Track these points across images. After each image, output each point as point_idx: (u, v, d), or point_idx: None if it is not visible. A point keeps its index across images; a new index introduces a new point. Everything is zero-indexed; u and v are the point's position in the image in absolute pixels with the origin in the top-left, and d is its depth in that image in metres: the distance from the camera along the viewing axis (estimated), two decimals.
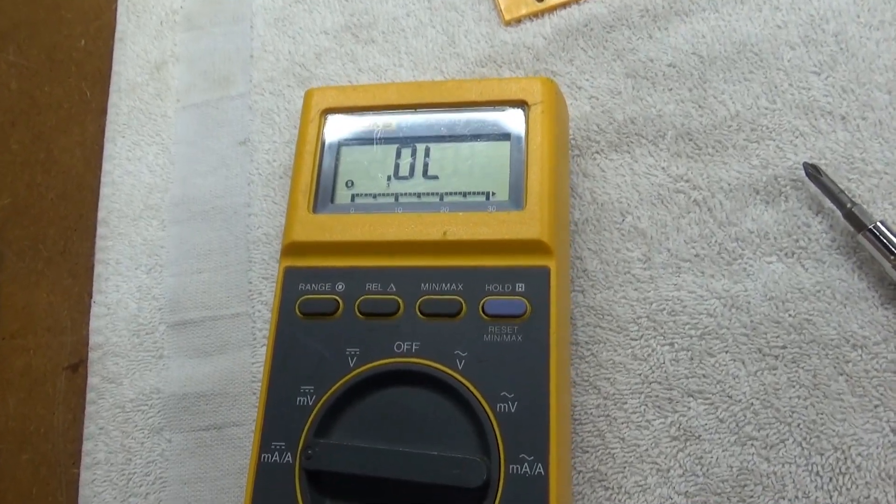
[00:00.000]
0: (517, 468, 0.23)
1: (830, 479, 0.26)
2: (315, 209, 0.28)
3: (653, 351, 0.28)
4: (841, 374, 0.27)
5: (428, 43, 0.35)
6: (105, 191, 0.36)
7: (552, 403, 0.24)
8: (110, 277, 0.34)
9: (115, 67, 0.38)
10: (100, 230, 0.35)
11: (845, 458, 0.26)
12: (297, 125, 0.35)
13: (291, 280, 0.27)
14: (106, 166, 0.36)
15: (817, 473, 0.26)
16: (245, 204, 0.34)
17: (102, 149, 0.37)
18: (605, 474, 0.27)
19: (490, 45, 0.35)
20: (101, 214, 0.35)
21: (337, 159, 0.29)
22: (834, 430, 0.26)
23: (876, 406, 0.26)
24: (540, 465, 0.23)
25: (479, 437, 0.24)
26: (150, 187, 0.36)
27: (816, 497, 0.26)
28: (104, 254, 0.35)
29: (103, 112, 0.38)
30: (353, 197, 0.29)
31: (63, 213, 0.37)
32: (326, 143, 0.30)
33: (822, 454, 0.26)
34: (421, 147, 0.29)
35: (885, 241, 0.27)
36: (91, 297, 0.34)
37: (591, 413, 0.28)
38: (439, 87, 0.29)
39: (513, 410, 0.24)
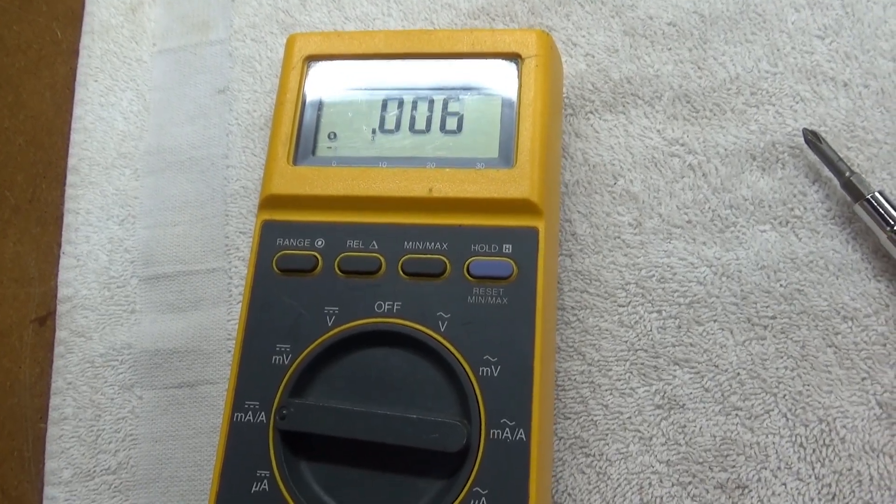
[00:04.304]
0: (498, 433, 0.23)
1: (814, 450, 0.25)
2: (295, 161, 0.27)
3: (640, 318, 0.28)
4: (829, 346, 0.26)
5: None
6: (76, 137, 0.34)
7: (536, 369, 0.23)
8: (80, 228, 0.33)
9: (87, 7, 0.36)
10: (70, 178, 0.34)
11: (830, 431, 0.26)
12: (278, 74, 0.33)
13: (269, 234, 0.26)
14: (77, 111, 0.35)
15: (801, 445, 0.26)
16: (223, 155, 0.33)
17: (73, 93, 0.35)
18: (587, 441, 0.27)
19: None
20: (71, 162, 0.34)
21: (319, 109, 0.28)
22: (820, 402, 0.26)
23: (863, 379, 0.26)
24: (521, 430, 0.23)
25: (460, 401, 0.23)
26: (124, 135, 0.34)
27: (799, 468, 0.25)
28: (74, 203, 0.33)
29: (75, 54, 0.36)
30: (335, 149, 0.27)
31: (32, 160, 0.35)
32: (309, 91, 0.28)
33: (806, 426, 0.26)
34: (408, 99, 0.27)
35: (882, 211, 0.26)
36: (60, 248, 0.33)
37: (575, 379, 0.27)
38: (429, 36, 0.28)
39: (495, 374, 0.23)
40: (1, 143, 0.35)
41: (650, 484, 0.26)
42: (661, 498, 0.26)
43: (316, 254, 0.26)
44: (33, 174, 0.35)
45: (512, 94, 0.27)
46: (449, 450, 0.22)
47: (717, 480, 0.26)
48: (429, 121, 0.27)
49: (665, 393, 0.27)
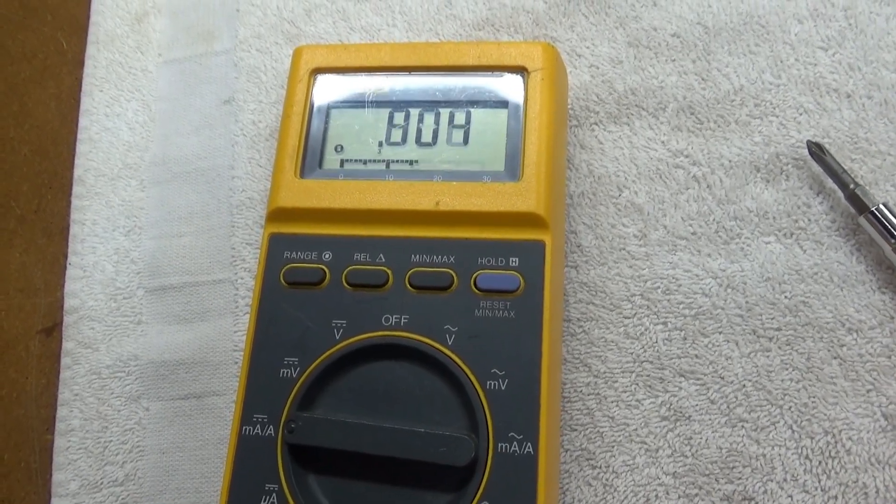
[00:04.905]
0: (506, 447, 0.23)
1: (820, 462, 0.26)
2: (302, 174, 0.27)
3: (646, 330, 0.28)
4: (835, 358, 0.27)
5: (423, 2, 0.34)
6: (82, 148, 0.34)
7: (543, 382, 0.23)
8: (86, 239, 0.33)
9: (93, 17, 0.37)
10: (76, 189, 0.34)
11: (835, 442, 0.26)
12: (284, 85, 0.33)
13: (276, 247, 0.26)
14: (83, 122, 0.35)
15: (807, 457, 0.26)
16: (229, 166, 0.33)
17: (79, 103, 0.35)
18: (594, 453, 0.27)
19: (488, 7, 0.33)
20: (77, 172, 0.34)
21: (326, 122, 0.28)
22: (825, 414, 0.26)
23: (868, 391, 0.26)
24: (529, 444, 0.23)
25: (467, 415, 0.23)
26: (129, 145, 0.34)
27: (805, 480, 0.25)
28: (80, 214, 0.33)
29: (80, 64, 0.36)
30: (342, 162, 0.27)
31: (37, 170, 0.35)
32: (315, 104, 0.28)
33: (812, 437, 0.26)
34: (414, 112, 0.28)
35: (886, 223, 0.26)
36: (66, 259, 0.33)
37: (581, 391, 0.27)
38: (435, 48, 0.28)
39: (503, 388, 0.23)
40: (6, 153, 0.36)
41: (657, 496, 0.26)
42: None
43: (323, 267, 0.26)
44: (39, 184, 0.35)
45: (518, 107, 0.27)
46: (457, 463, 0.22)
47: (724, 492, 0.26)
48: (435, 134, 0.27)
49: (671, 405, 0.27)
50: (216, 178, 0.33)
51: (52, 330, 0.32)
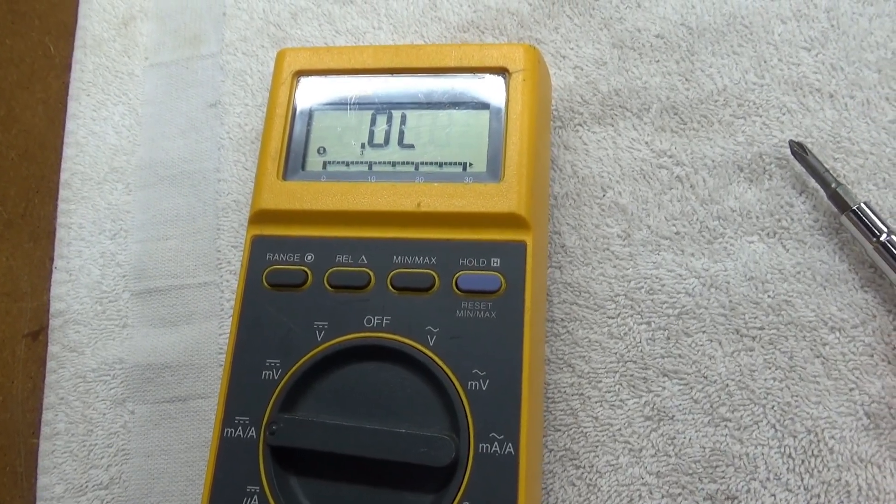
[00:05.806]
0: (487, 447, 0.23)
1: (803, 461, 0.26)
2: (285, 176, 0.27)
3: (629, 329, 0.28)
4: (817, 357, 0.27)
5: (409, 5, 0.34)
6: (68, 151, 0.34)
7: (524, 382, 0.23)
8: (73, 242, 0.33)
9: (80, 22, 0.37)
10: (62, 193, 0.34)
11: (818, 441, 0.26)
12: (270, 88, 0.33)
13: (259, 249, 0.26)
14: (69, 126, 0.35)
15: (790, 455, 0.26)
16: (215, 169, 0.33)
17: (66, 107, 0.35)
18: (577, 453, 0.27)
19: (473, 9, 0.33)
20: (63, 176, 0.34)
21: (309, 124, 0.28)
22: (808, 413, 0.26)
23: (851, 389, 0.26)
24: (510, 444, 0.23)
25: (448, 415, 0.23)
26: (116, 149, 0.34)
27: (788, 479, 0.25)
28: (67, 217, 0.33)
29: (67, 68, 0.36)
30: (324, 164, 0.27)
31: (24, 174, 0.35)
32: (298, 107, 0.28)
33: (795, 436, 0.26)
34: (397, 114, 0.28)
35: (868, 222, 0.26)
36: (52, 263, 0.33)
37: (565, 391, 0.27)
38: (417, 51, 0.28)
39: (484, 388, 0.23)
40: None
41: (640, 496, 0.26)
42: None
43: (305, 269, 0.26)
44: (26, 189, 0.35)
45: (500, 109, 0.27)
46: (438, 464, 0.22)
47: (707, 492, 0.26)
48: (417, 135, 0.27)
49: (654, 404, 0.27)
50: (202, 182, 0.33)
51: (38, 334, 0.32)
